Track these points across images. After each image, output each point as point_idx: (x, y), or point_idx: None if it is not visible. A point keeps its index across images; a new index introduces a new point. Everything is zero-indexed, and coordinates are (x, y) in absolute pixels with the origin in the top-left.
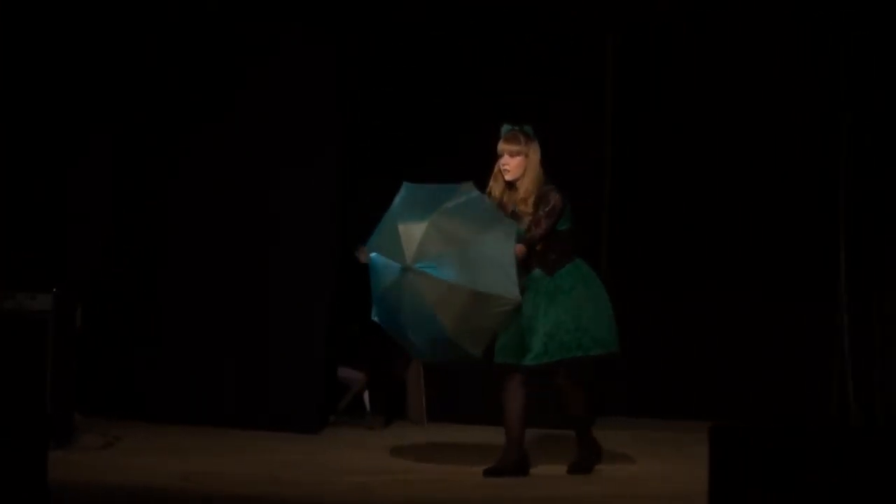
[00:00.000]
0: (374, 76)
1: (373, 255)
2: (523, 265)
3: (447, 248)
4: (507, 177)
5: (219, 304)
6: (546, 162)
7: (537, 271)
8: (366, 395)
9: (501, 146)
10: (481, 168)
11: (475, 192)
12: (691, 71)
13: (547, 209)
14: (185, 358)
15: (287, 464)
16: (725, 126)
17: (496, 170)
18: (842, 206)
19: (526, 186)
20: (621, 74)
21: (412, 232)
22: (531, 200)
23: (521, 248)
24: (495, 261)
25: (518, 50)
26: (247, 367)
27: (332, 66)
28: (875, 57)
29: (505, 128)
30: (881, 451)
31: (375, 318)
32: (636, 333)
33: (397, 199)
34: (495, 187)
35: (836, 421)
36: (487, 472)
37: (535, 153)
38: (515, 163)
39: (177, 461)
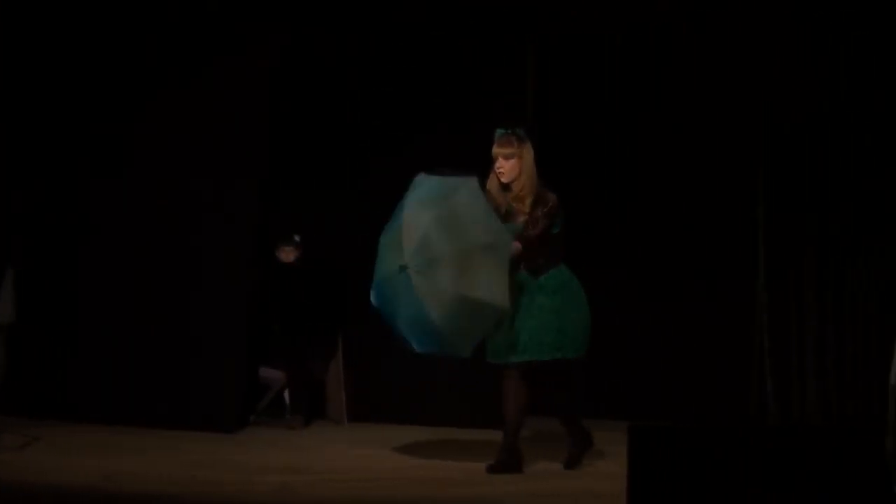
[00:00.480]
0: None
1: (381, 240)
2: (517, 262)
3: (443, 252)
4: (503, 179)
5: (141, 305)
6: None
7: (523, 273)
8: (286, 395)
9: (495, 150)
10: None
11: (478, 194)
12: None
13: (546, 209)
14: (106, 358)
15: (208, 463)
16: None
17: (492, 172)
18: (761, 211)
19: (521, 186)
20: (548, 79)
21: (414, 228)
22: (528, 200)
23: (517, 245)
24: (489, 270)
25: (443, 52)
26: (168, 368)
27: (260, 72)
28: (875, 58)
29: (499, 131)
30: (794, 449)
31: (373, 302)
32: None
33: (410, 190)
34: (492, 189)
35: (752, 420)
36: (489, 469)
37: (528, 154)
38: (510, 165)
39: (97, 461)
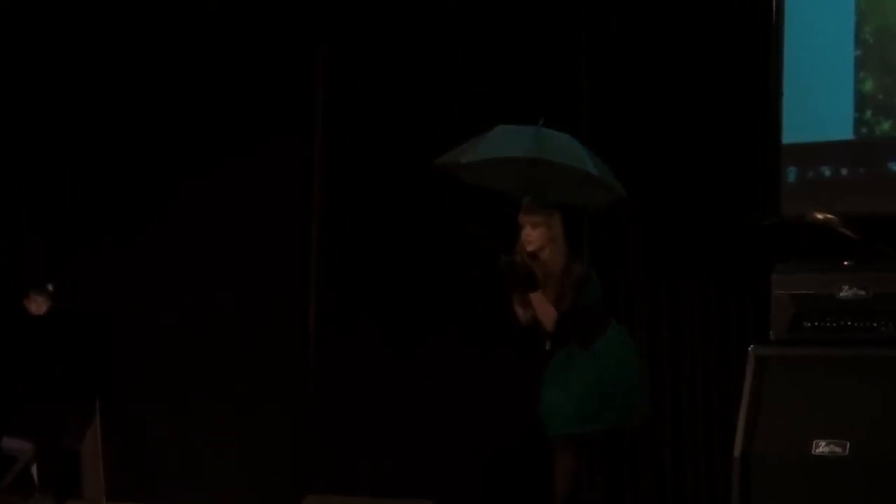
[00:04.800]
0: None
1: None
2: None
3: None
4: (529, 248)
5: None
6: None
7: (573, 347)
8: (34, 470)
9: (522, 217)
10: None
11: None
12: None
13: (571, 280)
14: None
15: None
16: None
17: (519, 241)
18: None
19: (548, 256)
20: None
21: None
22: (558, 272)
23: (552, 311)
24: None
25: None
26: None
27: None
28: None
29: (525, 199)
30: None
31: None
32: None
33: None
34: (520, 258)
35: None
36: None
37: (556, 223)
38: (537, 234)
39: None
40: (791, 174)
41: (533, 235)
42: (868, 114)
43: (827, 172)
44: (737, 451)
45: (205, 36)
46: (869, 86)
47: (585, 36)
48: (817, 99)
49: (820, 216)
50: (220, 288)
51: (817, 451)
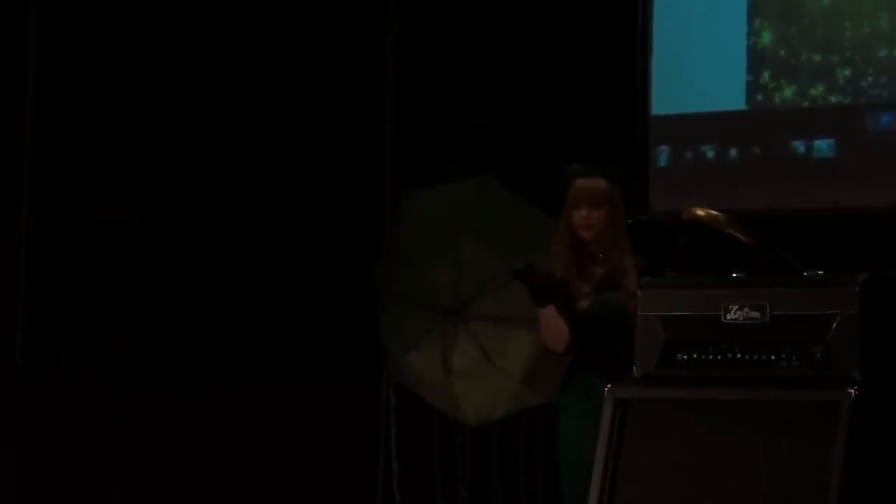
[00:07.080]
0: None
1: None
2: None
3: None
4: (586, 234)
5: None
6: None
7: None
8: None
9: (577, 191)
10: None
11: None
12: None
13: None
14: None
15: None
16: None
17: (563, 226)
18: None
19: (607, 247)
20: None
21: None
22: (627, 266)
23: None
24: None
25: None
26: None
27: None
28: None
29: (575, 166)
30: None
31: None
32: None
33: None
34: (560, 252)
35: None
36: None
37: (621, 202)
38: (598, 216)
39: None
40: (662, 156)
41: (594, 217)
42: (765, 76)
43: (710, 153)
44: None
45: None
46: (767, 38)
47: None
48: (698, 57)
49: (701, 212)
50: None
51: None
